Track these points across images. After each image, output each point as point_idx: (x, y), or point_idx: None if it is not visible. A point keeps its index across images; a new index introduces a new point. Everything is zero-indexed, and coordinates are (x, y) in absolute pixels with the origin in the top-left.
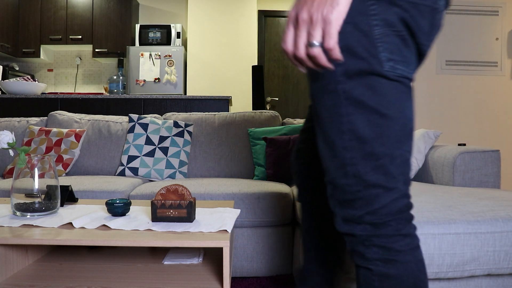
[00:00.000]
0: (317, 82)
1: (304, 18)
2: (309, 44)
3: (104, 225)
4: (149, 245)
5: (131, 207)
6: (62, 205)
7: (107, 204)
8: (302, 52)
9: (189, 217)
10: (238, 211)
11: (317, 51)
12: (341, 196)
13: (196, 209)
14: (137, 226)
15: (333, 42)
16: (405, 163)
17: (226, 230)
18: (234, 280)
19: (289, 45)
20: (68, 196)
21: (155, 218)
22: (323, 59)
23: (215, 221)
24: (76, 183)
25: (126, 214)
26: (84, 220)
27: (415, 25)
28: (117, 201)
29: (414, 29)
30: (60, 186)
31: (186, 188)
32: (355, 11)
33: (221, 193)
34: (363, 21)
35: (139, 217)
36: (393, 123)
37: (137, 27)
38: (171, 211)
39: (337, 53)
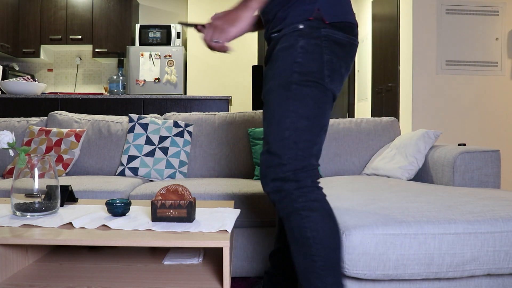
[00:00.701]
0: (275, 80)
1: (216, 25)
2: (215, 40)
3: (104, 225)
4: (149, 245)
5: (131, 207)
6: (62, 205)
7: (107, 204)
8: (209, 43)
9: (189, 217)
10: (238, 211)
11: (216, 44)
12: (275, 160)
13: (196, 209)
14: (137, 226)
15: (225, 41)
16: (317, 148)
17: (226, 230)
18: (234, 280)
19: (206, 37)
20: (68, 196)
21: (155, 218)
22: (220, 48)
23: (215, 221)
24: (76, 183)
25: (126, 214)
26: (84, 220)
27: (343, 56)
28: (117, 201)
29: (342, 59)
30: (60, 186)
31: (186, 188)
32: (313, 43)
33: (221, 193)
34: (317, 51)
35: (139, 217)
36: (318, 120)
37: (137, 27)
38: (171, 211)
39: (226, 48)
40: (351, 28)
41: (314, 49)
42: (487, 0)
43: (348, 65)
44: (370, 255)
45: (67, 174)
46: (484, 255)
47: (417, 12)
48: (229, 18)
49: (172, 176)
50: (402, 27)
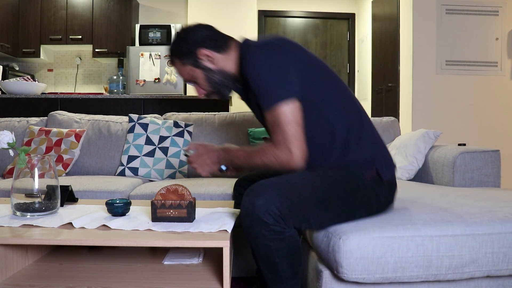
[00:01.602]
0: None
1: (200, 157)
2: (190, 164)
3: (104, 225)
4: (149, 245)
5: (131, 207)
6: (62, 205)
7: (107, 204)
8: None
9: (189, 217)
10: (237, 211)
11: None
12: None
13: (196, 209)
14: (137, 226)
15: (203, 172)
16: None
17: (226, 230)
18: (234, 280)
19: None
20: (68, 196)
21: (155, 218)
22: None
23: (215, 221)
24: (76, 183)
25: (126, 214)
26: (84, 220)
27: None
28: (117, 201)
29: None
30: (60, 186)
31: (186, 188)
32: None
33: (221, 193)
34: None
35: (139, 217)
36: None
37: (137, 27)
38: (171, 211)
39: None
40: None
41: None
42: (487, 0)
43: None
44: (368, 259)
45: (67, 174)
46: (483, 257)
47: (417, 12)
48: (210, 160)
49: (172, 176)
50: (402, 27)
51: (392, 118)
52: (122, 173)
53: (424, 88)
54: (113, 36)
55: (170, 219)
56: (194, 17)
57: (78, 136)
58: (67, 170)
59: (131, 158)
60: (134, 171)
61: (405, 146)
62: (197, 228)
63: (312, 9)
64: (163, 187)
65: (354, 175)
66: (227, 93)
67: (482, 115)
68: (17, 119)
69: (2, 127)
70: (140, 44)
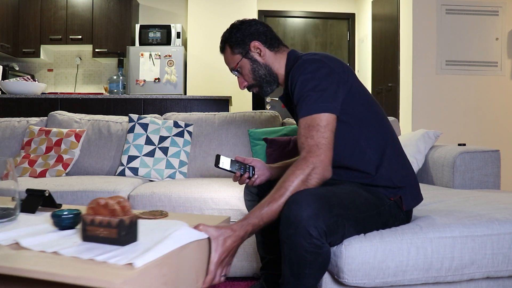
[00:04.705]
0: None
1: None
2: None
3: (16, 242)
4: (21, 274)
5: None
6: (34, 212)
7: (53, 216)
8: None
9: (119, 239)
10: (198, 235)
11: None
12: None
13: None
14: (60, 245)
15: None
16: None
17: (131, 265)
18: (234, 280)
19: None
20: (49, 202)
21: (86, 236)
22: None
23: (152, 246)
24: (76, 183)
25: (76, 227)
26: (11, 234)
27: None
28: (65, 212)
29: None
30: (36, 190)
31: (125, 200)
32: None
33: (221, 193)
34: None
35: (80, 233)
36: None
37: (137, 27)
38: (101, 229)
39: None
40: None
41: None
42: (487, 0)
43: None
44: (370, 264)
45: (67, 174)
46: (482, 258)
47: (417, 12)
48: (227, 248)
49: (172, 176)
50: (402, 27)
51: (392, 118)
52: (122, 173)
53: (424, 88)
54: (113, 36)
55: (101, 240)
56: (194, 17)
57: (78, 136)
58: (67, 170)
59: (131, 158)
60: (134, 171)
61: (405, 147)
62: (112, 254)
63: (312, 9)
64: (95, 198)
65: (381, 197)
66: (268, 89)
67: (482, 115)
68: (17, 119)
69: (2, 127)
70: (140, 44)
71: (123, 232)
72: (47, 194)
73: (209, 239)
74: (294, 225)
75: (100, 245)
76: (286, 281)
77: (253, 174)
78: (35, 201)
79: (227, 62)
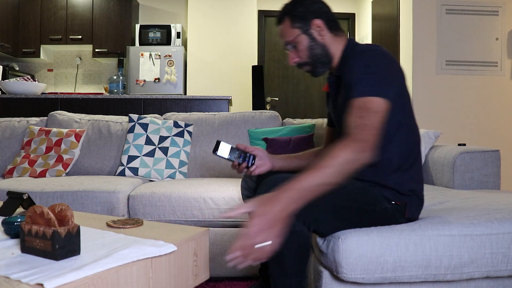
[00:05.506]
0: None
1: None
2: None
3: None
4: None
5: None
6: (10, 215)
7: (3, 223)
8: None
9: (54, 253)
10: (152, 251)
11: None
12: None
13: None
14: None
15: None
16: None
17: (42, 285)
18: (234, 280)
19: (248, 242)
20: (30, 205)
21: (24, 248)
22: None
23: (88, 263)
24: (76, 183)
25: None
26: None
27: None
28: (18, 220)
29: None
30: (14, 193)
31: (67, 208)
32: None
33: (221, 193)
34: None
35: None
36: None
37: (137, 27)
38: (38, 241)
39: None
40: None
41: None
42: (487, 0)
43: None
44: (367, 258)
45: (67, 174)
46: (482, 257)
47: (417, 12)
48: (271, 216)
49: (172, 176)
50: (402, 27)
51: None
52: (122, 173)
53: (424, 88)
54: (113, 36)
55: (38, 252)
56: (194, 17)
57: (78, 136)
58: (67, 170)
59: (131, 158)
60: (134, 171)
61: None
62: (33, 273)
63: None
64: (32, 206)
65: (378, 197)
66: (320, 70)
67: (482, 115)
68: (17, 119)
69: (2, 127)
70: (140, 44)
71: (57, 245)
72: (25, 197)
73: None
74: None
75: (35, 258)
76: (271, 271)
77: (252, 164)
78: (13, 204)
79: (283, 34)
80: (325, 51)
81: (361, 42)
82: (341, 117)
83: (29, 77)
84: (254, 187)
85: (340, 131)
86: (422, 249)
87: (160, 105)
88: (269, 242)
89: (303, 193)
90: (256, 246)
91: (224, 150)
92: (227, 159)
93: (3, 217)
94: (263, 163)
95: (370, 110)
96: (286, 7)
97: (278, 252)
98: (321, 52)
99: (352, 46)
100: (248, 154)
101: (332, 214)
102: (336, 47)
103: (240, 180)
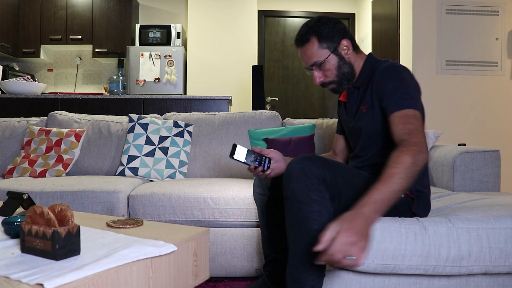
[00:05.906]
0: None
1: (344, 240)
2: (349, 258)
3: None
4: None
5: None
6: (10, 215)
7: (3, 223)
8: (342, 261)
9: (54, 253)
10: (153, 251)
11: (350, 261)
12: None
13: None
14: None
15: (361, 257)
16: None
17: (42, 285)
18: (234, 280)
19: (337, 256)
20: (31, 205)
21: (24, 248)
22: (352, 265)
23: (89, 262)
24: (76, 183)
25: None
26: None
27: None
28: (18, 220)
29: None
30: (14, 193)
31: (67, 208)
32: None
33: (221, 193)
34: None
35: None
36: None
37: (137, 27)
38: (38, 241)
39: (360, 262)
40: None
41: None
42: (487, 0)
43: None
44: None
45: (67, 174)
46: (479, 251)
47: (417, 12)
48: (357, 229)
49: (172, 176)
50: (402, 27)
51: None
52: (122, 173)
53: (424, 88)
54: (113, 36)
55: (38, 252)
56: (194, 17)
57: (78, 136)
58: (67, 170)
59: (131, 158)
60: (134, 171)
61: None
62: (33, 272)
63: (312, 9)
64: (32, 206)
65: None
66: (345, 87)
67: (482, 115)
68: (17, 119)
69: (2, 127)
70: (140, 44)
71: (57, 245)
72: (25, 197)
73: None
74: (294, 176)
75: (35, 258)
76: (291, 248)
77: (268, 167)
78: (13, 204)
79: (310, 55)
80: (351, 68)
81: (371, 51)
82: (360, 124)
83: (29, 77)
84: (269, 186)
85: (353, 138)
86: (422, 238)
87: (160, 105)
88: (354, 257)
89: (381, 204)
90: (345, 258)
91: (241, 153)
92: (244, 162)
93: (3, 217)
94: (278, 165)
95: (413, 117)
96: (314, 27)
97: (307, 227)
98: (348, 70)
99: (373, 61)
100: (264, 157)
101: (354, 192)
102: (358, 64)
103: (240, 179)
